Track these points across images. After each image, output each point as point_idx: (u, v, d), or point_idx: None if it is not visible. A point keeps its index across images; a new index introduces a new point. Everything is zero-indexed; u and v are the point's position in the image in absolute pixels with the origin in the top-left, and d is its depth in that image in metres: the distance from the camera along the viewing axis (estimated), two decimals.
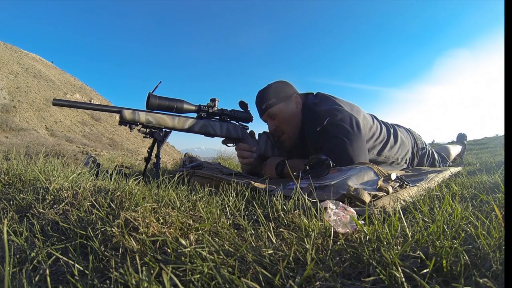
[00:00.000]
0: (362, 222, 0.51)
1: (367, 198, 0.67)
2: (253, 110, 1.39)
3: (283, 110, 1.32)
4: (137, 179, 0.73)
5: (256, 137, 1.42)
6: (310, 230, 0.48)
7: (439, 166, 1.85)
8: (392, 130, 1.52)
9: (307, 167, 0.91)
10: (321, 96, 1.38)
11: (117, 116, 1.10)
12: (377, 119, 1.51)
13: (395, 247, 0.39)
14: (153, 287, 0.33)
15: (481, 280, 0.31)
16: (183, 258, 0.39)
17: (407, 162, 1.59)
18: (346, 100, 1.38)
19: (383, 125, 1.49)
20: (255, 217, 0.60)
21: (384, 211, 0.60)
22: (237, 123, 1.34)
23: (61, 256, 0.41)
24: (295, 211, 0.57)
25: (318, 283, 0.33)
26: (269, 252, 0.40)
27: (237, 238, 0.48)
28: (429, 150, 1.81)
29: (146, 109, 1.14)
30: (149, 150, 1.27)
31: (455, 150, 2.40)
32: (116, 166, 2.15)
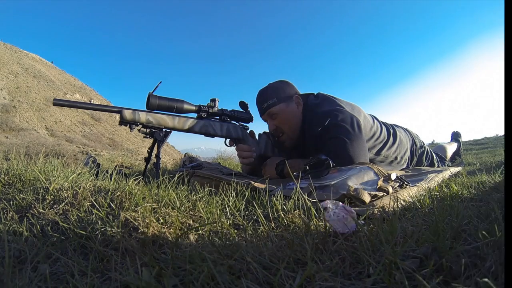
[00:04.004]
0: (362, 222, 0.51)
1: (367, 198, 0.67)
2: (253, 110, 1.40)
3: (283, 110, 1.32)
4: (137, 179, 0.72)
5: (256, 137, 1.42)
6: (310, 230, 0.48)
7: (438, 166, 1.86)
8: (391, 130, 1.53)
9: (307, 167, 0.92)
10: (322, 97, 1.38)
11: (117, 116, 1.10)
12: (377, 119, 1.52)
13: (395, 247, 0.39)
14: (153, 287, 0.33)
15: (481, 280, 0.31)
16: (183, 258, 0.39)
17: (407, 161, 1.60)
18: (346, 100, 1.38)
19: (383, 125, 1.50)
20: (255, 217, 0.60)
21: (384, 211, 0.60)
22: (237, 123, 1.35)
23: (61, 256, 0.41)
24: (295, 211, 0.57)
25: (318, 283, 0.33)
26: (269, 252, 0.40)
27: (237, 238, 0.48)
28: (427, 149, 1.82)
29: (146, 109, 1.14)
30: (149, 150, 1.26)
31: (451, 148, 2.43)
32: (116, 166, 2.15)
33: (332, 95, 1.40)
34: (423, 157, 1.76)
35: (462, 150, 2.62)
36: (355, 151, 1.12)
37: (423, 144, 1.82)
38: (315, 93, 1.44)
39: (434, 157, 1.88)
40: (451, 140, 2.76)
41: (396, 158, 1.51)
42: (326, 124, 1.18)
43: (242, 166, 1.54)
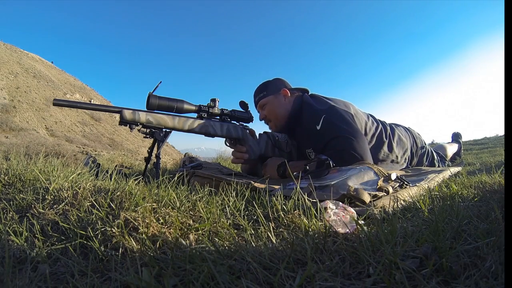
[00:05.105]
0: (362, 222, 0.51)
1: (367, 198, 0.67)
2: (253, 110, 1.41)
3: (271, 101, 1.45)
4: (137, 179, 0.72)
5: (257, 137, 1.43)
6: (310, 230, 0.48)
7: (439, 166, 1.86)
8: (389, 129, 1.53)
9: (307, 167, 0.92)
10: (317, 97, 1.46)
11: (117, 116, 1.10)
12: (373, 117, 1.53)
13: (395, 247, 0.39)
14: (153, 287, 0.33)
15: (481, 280, 0.31)
16: (183, 258, 0.39)
17: (407, 161, 1.60)
18: (339, 98, 1.45)
19: (379, 123, 1.51)
20: (255, 217, 0.60)
21: (384, 211, 0.60)
22: (238, 123, 1.35)
23: (61, 256, 0.41)
24: (295, 211, 0.57)
25: (318, 283, 0.33)
26: (269, 252, 0.40)
27: (237, 238, 0.48)
28: (428, 150, 1.82)
29: (146, 109, 1.14)
30: (149, 150, 1.26)
31: (452, 149, 2.43)
32: (116, 166, 2.15)
33: (327, 96, 1.47)
34: (423, 158, 1.75)
35: (462, 151, 2.62)
36: (362, 149, 1.15)
37: (425, 144, 1.82)
38: (309, 90, 1.52)
39: (435, 156, 1.88)
40: (452, 141, 2.76)
41: (396, 157, 1.51)
42: (323, 122, 1.22)
43: (242, 166, 1.56)
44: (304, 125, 1.33)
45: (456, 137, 2.79)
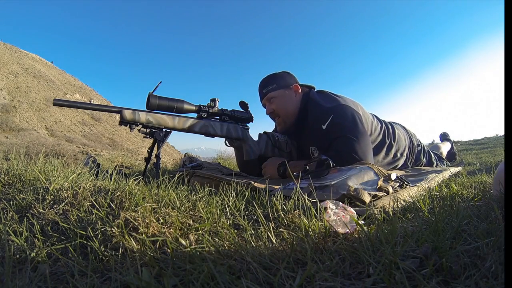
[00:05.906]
0: (362, 222, 0.51)
1: (367, 198, 0.67)
2: (253, 110, 1.40)
3: (281, 95, 1.39)
4: (137, 179, 0.72)
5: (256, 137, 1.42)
6: (310, 230, 0.48)
7: (437, 165, 1.89)
8: (390, 127, 1.55)
9: (307, 167, 0.92)
10: (325, 94, 1.42)
11: (117, 116, 1.10)
12: (376, 116, 1.55)
13: (395, 247, 0.39)
14: (153, 287, 0.33)
15: (481, 280, 0.31)
16: (183, 258, 0.39)
17: (405, 158, 1.62)
18: (348, 97, 1.41)
19: (382, 123, 1.53)
20: (255, 217, 0.60)
21: (384, 211, 0.60)
22: (238, 123, 1.35)
23: (61, 256, 0.41)
24: (295, 211, 0.57)
25: (318, 283, 0.33)
26: (269, 252, 0.40)
27: (237, 238, 0.48)
28: (424, 148, 1.86)
29: (146, 109, 1.14)
30: (149, 150, 1.26)
31: (445, 147, 2.53)
32: (116, 166, 2.14)
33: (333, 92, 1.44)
34: (420, 155, 1.79)
35: (455, 149, 2.66)
36: (362, 150, 1.15)
37: (420, 142, 1.87)
38: (316, 88, 1.48)
39: (432, 155, 1.91)
40: (442, 142, 2.83)
41: (395, 155, 1.54)
42: (331, 122, 1.21)
43: (238, 164, 1.56)
44: (310, 123, 1.31)
45: (444, 136, 2.86)
